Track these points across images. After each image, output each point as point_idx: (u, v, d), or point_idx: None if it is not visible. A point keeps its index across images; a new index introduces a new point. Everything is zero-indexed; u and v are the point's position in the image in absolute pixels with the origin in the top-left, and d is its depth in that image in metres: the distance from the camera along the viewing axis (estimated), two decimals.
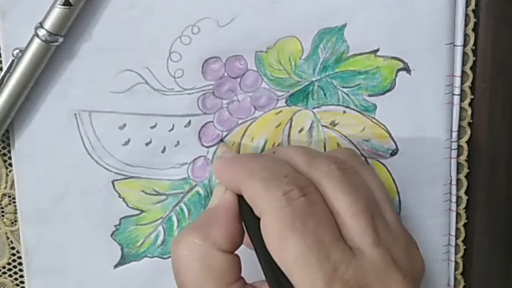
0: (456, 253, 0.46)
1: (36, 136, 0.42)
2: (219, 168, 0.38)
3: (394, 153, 0.44)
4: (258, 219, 0.34)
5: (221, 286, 0.35)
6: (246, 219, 0.36)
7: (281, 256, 0.33)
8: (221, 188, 0.38)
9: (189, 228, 0.37)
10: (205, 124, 0.42)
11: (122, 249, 0.43)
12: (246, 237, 0.37)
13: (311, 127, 0.43)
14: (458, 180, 0.45)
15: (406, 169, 0.44)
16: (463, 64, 0.43)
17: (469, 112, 0.44)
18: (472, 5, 0.42)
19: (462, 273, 0.47)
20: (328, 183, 0.35)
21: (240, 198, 0.36)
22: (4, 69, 0.40)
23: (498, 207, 0.45)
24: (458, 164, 0.45)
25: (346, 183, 0.35)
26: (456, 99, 0.43)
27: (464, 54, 0.43)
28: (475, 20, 0.43)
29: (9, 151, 0.43)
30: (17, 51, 0.40)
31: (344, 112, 0.43)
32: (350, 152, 0.40)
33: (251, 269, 0.36)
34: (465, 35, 0.43)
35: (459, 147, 0.44)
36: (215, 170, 0.39)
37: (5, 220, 0.44)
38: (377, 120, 0.43)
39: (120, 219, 0.43)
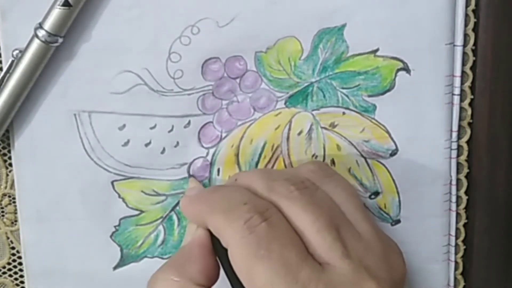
0: (456, 253, 0.46)
1: (36, 136, 0.42)
2: (184, 207, 0.39)
3: (394, 153, 0.44)
4: (227, 250, 0.35)
5: None
6: (217, 251, 0.36)
7: (251, 285, 0.33)
8: (192, 225, 0.38)
9: (165, 266, 0.37)
10: (205, 124, 0.42)
11: (121, 250, 0.43)
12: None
13: (310, 129, 0.43)
14: (458, 180, 0.45)
15: (406, 169, 0.44)
16: (463, 64, 0.43)
17: (469, 112, 0.44)
18: (472, 5, 0.42)
19: (462, 273, 0.47)
20: (288, 204, 0.35)
21: (211, 232, 0.37)
22: (4, 69, 0.40)
23: (498, 207, 0.45)
24: (458, 164, 0.45)
25: (306, 201, 0.35)
26: (456, 99, 0.43)
27: (464, 54, 0.43)
28: (475, 20, 0.43)
29: (9, 151, 0.43)
30: (17, 51, 0.40)
31: (344, 113, 0.43)
32: (316, 166, 0.40)
33: None
34: (465, 35, 0.43)
35: (459, 147, 0.44)
36: (181, 209, 0.40)
37: (5, 220, 0.44)
38: (376, 120, 0.43)
39: (120, 220, 0.43)
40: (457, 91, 0.43)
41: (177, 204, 0.43)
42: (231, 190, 0.37)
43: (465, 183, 0.45)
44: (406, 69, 0.42)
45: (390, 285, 0.35)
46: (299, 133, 0.43)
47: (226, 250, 0.35)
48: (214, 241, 0.36)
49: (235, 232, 0.34)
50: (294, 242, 0.34)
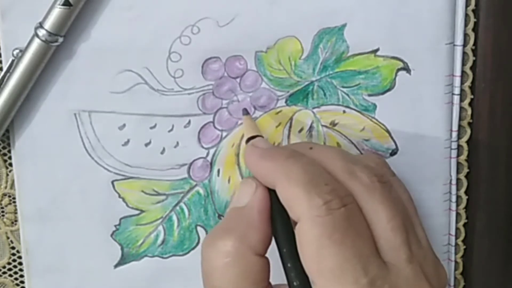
0: (456, 253, 0.46)
1: (36, 136, 0.42)
2: (253, 160, 0.37)
3: (394, 152, 0.44)
4: (290, 224, 0.34)
5: None
6: (277, 220, 0.35)
7: (315, 265, 0.32)
8: (251, 183, 0.36)
9: (219, 229, 0.35)
10: (205, 124, 0.42)
11: (122, 249, 0.44)
12: None
13: (311, 127, 0.43)
14: (458, 179, 0.45)
15: (406, 169, 0.43)
16: (463, 64, 0.43)
17: (469, 112, 0.44)
18: (472, 5, 0.42)
19: (462, 273, 0.47)
20: (369, 195, 0.34)
21: (272, 195, 0.35)
22: (4, 69, 0.40)
23: (498, 207, 0.45)
24: (458, 164, 0.45)
25: (386, 197, 0.34)
26: (456, 99, 0.43)
27: (464, 54, 0.43)
28: (475, 20, 0.43)
29: (9, 151, 0.43)
30: (17, 51, 0.40)
31: (344, 112, 0.43)
32: (382, 161, 0.39)
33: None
34: (465, 35, 0.43)
35: (459, 147, 0.44)
36: (248, 160, 0.37)
37: (5, 220, 0.44)
38: (377, 119, 0.43)
39: (120, 219, 0.43)
40: (457, 91, 0.43)
41: (177, 204, 0.43)
42: (311, 164, 0.35)
43: (465, 183, 0.45)
44: (406, 68, 0.42)
45: None
46: (300, 131, 0.43)
47: (289, 220, 0.34)
48: (274, 206, 0.35)
49: (312, 208, 0.32)
50: (367, 234, 0.33)
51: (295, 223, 0.34)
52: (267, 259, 0.35)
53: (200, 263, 0.36)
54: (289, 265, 0.34)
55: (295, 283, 0.33)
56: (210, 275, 0.35)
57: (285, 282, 0.34)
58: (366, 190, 0.34)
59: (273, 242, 0.36)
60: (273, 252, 0.35)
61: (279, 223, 0.35)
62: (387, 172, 0.38)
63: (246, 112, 0.42)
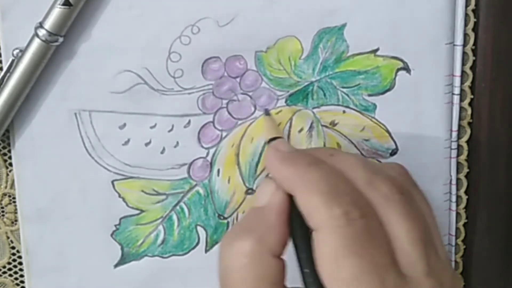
0: (456, 253, 0.46)
1: (36, 136, 0.42)
2: (274, 164, 0.36)
3: (394, 152, 0.44)
4: (308, 228, 0.33)
5: None
6: (295, 225, 0.35)
7: (332, 275, 0.32)
8: (271, 184, 0.36)
9: (239, 229, 0.35)
10: (205, 124, 0.42)
11: (122, 248, 0.44)
12: None
13: (311, 127, 0.43)
14: (458, 179, 0.45)
15: None
16: (463, 63, 0.43)
17: (469, 111, 0.44)
18: (472, 5, 0.42)
19: (462, 273, 0.47)
20: (388, 207, 0.34)
21: (291, 200, 0.35)
22: (4, 69, 0.40)
23: (498, 207, 0.45)
24: (458, 163, 0.45)
25: (406, 209, 0.34)
26: (456, 98, 0.43)
27: (464, 53, 0.43)
28: (475, 20, 0.43)
29: (9, 151, 0.43)
30: (17, 51, 0.40)
31: (344, 112, 0.43)
32: (404, 172, 0.38)
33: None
34: (465, 35, 0.43)
35: (459, 147, 0.44)
36: (269, 163, 0.37)
37: (5, 219, 0.44)
38: (377, 119, 0.43)
39: (120, 219, 0.43)
40: (457, 90, 0.43)
41: (177, 203, 0.43)
42: (331, 173, 0.34)
43: (465, 182, 0.45)
44: (406, 68, 0.42)
45: None
46: (300, 131, 0.43)
47: (306, 228, 0.33)
48: (293, 211, 0.35)
49: (331, 218, 0.32)
50: (386, 246, 0.33)
51: (312, 231, 0.33)
52: (283, 261, 0.35)
53: (218, 261, 0.35)
54: (306, 270, 0.34)
55: None
56: (227, 275, 0.35)
57: (299, 285, 0.34)
58: (386, 201, 0.34)
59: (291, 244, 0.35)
60: (289, 255, 0.35)
61: (298, 228, 0.35)
62: (409, 182, 0.37)
63: (267, 112, 0.42)
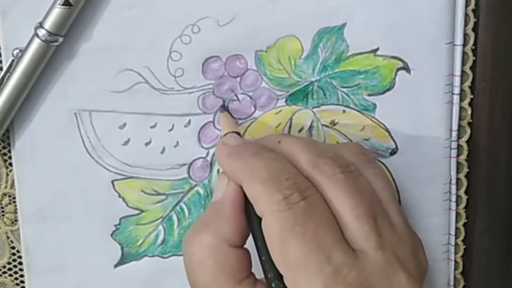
0: (456, 253, 0.46)
1: (36, 136, 0.42)
2: (221, 158, 0.38)
3: (393, 152, 0.44)
4: (259, 217, 0.34)
5: (234, 283, 0.35)
6: (249, 215, 0.36)
7: (280, 259, 0.33)
8: (224, 178, 0.37)
9: (198, 225, 0.36)
10: (205, 124, 0.42)
11: (122, 248, 0.44)
12: None
13: (311, 126, 0.43)
14: (458, 179, 0.45)
15: (405, 168, 0.44)
16: (463, 63, 0.43)
17: (469, 111, 0.44)
18: (472, 5, 0.42)
19: (462, 273, 0.47)
20: (331, 186, 0.35)
21: (243, 192, 0.36)
22: (4, 69, 0.40)
23: (498, 207, 0.45)
24: (458, 163, 0.45)
25: (349, 186, 0.35)
26: (456, 98, 0.43)
27: (464, 53, 0.43)
28: (475, 19, 0.43)
29: (9, 151, 0.43)
30: (17, 51, 0.40)
31: (344, 111, 0.43)
32: (359, 149, 0.39)
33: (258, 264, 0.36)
34: (465, 35, 0.43)
35: (459, 147, 0.44)
36: (218, 157, 0.38)
37: (5, 219, 0.44)
38: (376, 119, 0.43)
39: (120, 219, 0.43)
40: (457, 90, 0.43)
41: (177, 203, 0.43)
42: (274, 160, 0.36)
43: (465, 182, 0.45)
44: (406, 68, 0.42)
45: (418, 280, 0.35)
46: (300, 130, 0.43)
47: (258, 217, 0.34)
48: (247, 202, 0.36)
49: (272, 204, 0.33)
50: (331, 224, 0.34)
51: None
52: (245, 250, 0.36)
53: (183, 259, 0.37)
54: (263, 258, 0.35)
55: (269, 275, 0.34)
56: (191, 270, 0.36)
57: None
58: (328, 181, 0.35)
59: None
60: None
61: (251, 217, 0.36)
62: (362, 159, 0.38)
63: (223, 109, 0.42)
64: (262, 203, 0.34)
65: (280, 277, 0.34)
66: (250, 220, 0.36)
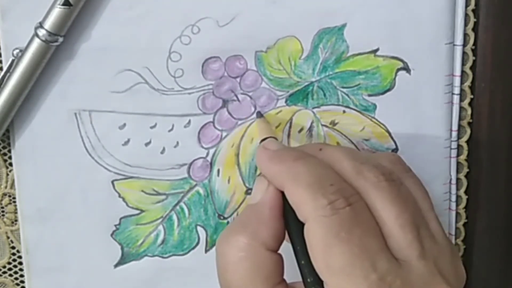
0: None
1: (36, 136, 0.42)
2: (263, 162, 0.37)
3: (394, 152, 0.44)
4: (300, 221, 0.34)
5: (268, 286, 0.35)
6: (288, 219, 0.35)
7: (323, 264, 0.33)
8: (263, 181, 0.37)
9: (234, 226, 0.36)
10: (205, 124, 0.42)
11: (122, 248, 0.44)
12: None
13: (311, 126, 0.43)
14: (458, 179, 0.45)
15: None
16: (463, 63, 0.43)
17: (469, 111, 0.44)
18: (472, 5, 0.42)
19: None
20: (376, 193, 0.35)
21: (283, 196, 0.36)
22: (4, 69, 0.40)
23: (498, 207, 0.45)
24: (458, 163, 0.45)
25: (394, 194, 0.35)
26: (456, 98, 0.43)
27: (464, 53, 0.43)
28: (475, 20, 0.43)
29: (9, 151, 0.43)
30: (17, 51, 0.40)
31: (344, 111, 0.43)
32: (396, 159, 0.39)
33: (287, 267, 0.36)
34: (465, 35, 0.43)
35: (459, 147, 0.44)
36: (258, 161, 0.38)
37: (5, 219, 0.44)
38: (377, 119, 0.43)
39: (120, 219, 0.43)
40: (457, 90, 0.43)
41: (177, 203, 0.43)
42: (318, 165, 0.36)
43: (465, 182, 0.45)
44: (406, 68, 0.42)
45: None
46: (300, 131, 0.43)
47: (299, 221, 0.34)
48: (286, 206, 0.35)
49: (316, 209, 0.33)
50: (375, 231, 0.34)
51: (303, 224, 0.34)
52: (280, 255, 0.36)
53: (216, 258, 0.36)
54: (302, 262, 0.34)
55: (308, 280, 0.34)
56: (225, 270, 0.35)
57: (300, 279, 0.35)
58: (373, 188, 0.35)
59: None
60: (288, 251, 0.36)
61: (291, 222, 0.35)
62: (400, 169, 0.38)
63: (260, 115, 0.42)
64: (306, 207, 0.34)
65: (320, 282, 0.33)
66: (290, 225, 0.35)
